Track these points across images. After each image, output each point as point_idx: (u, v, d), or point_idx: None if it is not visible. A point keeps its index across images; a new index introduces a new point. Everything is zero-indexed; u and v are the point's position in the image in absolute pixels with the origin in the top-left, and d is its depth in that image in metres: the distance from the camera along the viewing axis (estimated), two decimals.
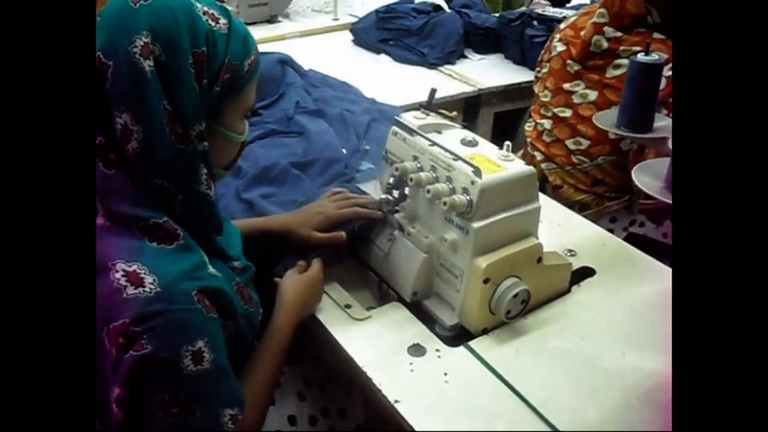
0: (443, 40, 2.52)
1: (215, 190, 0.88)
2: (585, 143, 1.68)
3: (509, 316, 1.04)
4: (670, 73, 1.44)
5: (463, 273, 1.03)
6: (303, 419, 1.09)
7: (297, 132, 1.59)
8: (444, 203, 1.00)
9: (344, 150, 1.49)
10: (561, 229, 1.34)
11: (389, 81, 2.30)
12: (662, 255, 1.29)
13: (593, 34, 1.63)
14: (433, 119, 1.16)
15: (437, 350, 1.02)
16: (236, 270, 0.95)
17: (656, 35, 1.57)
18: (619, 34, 1.61)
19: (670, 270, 1.22)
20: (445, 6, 2.79)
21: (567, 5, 2.95)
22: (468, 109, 2.33)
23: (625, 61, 1.59)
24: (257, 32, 2.66)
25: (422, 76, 2.42)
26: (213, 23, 0.83)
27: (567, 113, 1.71)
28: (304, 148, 1.51)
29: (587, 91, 1.67)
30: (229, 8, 0.89)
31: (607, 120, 1.34)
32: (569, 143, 1.72)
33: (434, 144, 1.08)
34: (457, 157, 1.03)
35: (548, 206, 1.31)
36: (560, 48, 1.74)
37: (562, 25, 1.81)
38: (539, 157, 1.80)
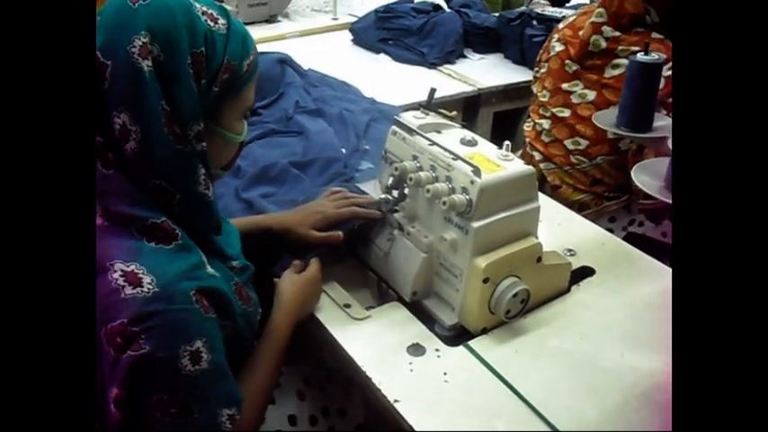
0: (443, 39, 2.52)
1: (213, 190, 0.88)
2: (584, 143, 1.68)
3: (508, 315, 1.04)
4: (669, 73, 1.44)
5: (463, 272, 1.03)
6: (303, 419, 1.09)
7: (296, 132, 1.59)
8: (444, 203, 1.00)
9: (344, 150, 1.49)
10: (561, 228, 1.34)
11: (389, 81, 2.30)
12: (661, 254, 1.29)
13: (591, 34, 1.63)
14: (432, 118, 1.16)
15: (437, 350, 1.02)
16: (235, 270, 0.95)
17: (655, 35, 1.57)
18: (617, 34, 1.61)
19: (669, 270, 1.22)
20: (445, 6, 2.79)
21: (567, 5, 2.95)
22: (467, 108, 2.33)
23: (623, 61, 1.59)
24: (257, 32, 2.66)
25: (421, 75, 2.42)
26: (212, 23, 0.83)
27: (566, 113, 1.71)
28: (303, 147, 1.51)
29: (586, 91, 1.67)
30: (229, 8, 0.89)
31: (606, 119, 1.34)
32: (568, 143, 1.71)
33: (434, 144, 1.08)
34: (456, 157, 1.03)
35: (547, 206, 1.31)
36: (559, 48, 1.74)
37: (561, 25, 1.81)
38: (537, 157, 1.80)
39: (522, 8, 2.78)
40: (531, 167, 1.06)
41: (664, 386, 0.96)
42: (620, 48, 1.60)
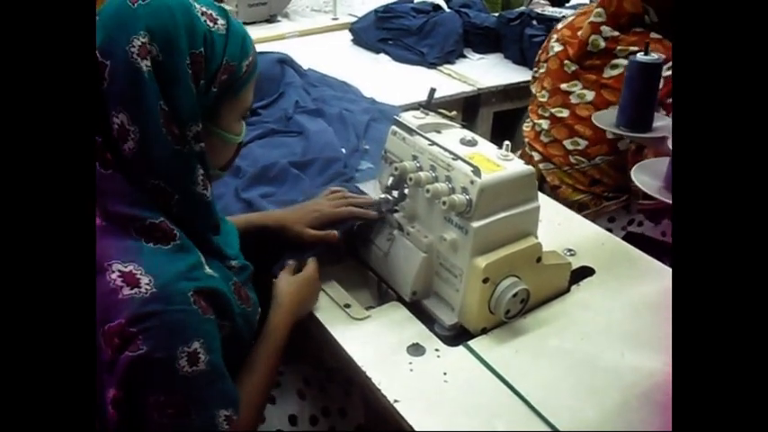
0: (443, 39, 2.52)
1: (211, 190, 0.88)
2: (583, 143, 1.68)
3: (508, 315, 1.04)
4: (668, 73, 1.43)
5: (462, 272, 1.03)
6: (304, 419, 1.08)
7: (296, 132, 1.59)
8: (444, 203, 1.00)
9: (344, 150, 1.49)
10: (561, 228, 1.34)
11: (389, 81, 2.30)
12: (661, 254, 1.29)
13: (590, 34, 1.63)
14: (432, 118, 1.16)
15: (436, 350, 1.02)
16: (234, 269, 0.95)
17: (654, 35, 1.57)
18: (616, 34, 1.61)
19: (669, 270, 1.22)
20: (444, 6, 2.79)
21: (567, 5, 2.95)
22: (467, 108, 2.33)
23: (622, 61, 1.59)
24: (256, 32, 2.66)
25: (421, 75, 2.41)
26: (211, 24, 0.83)
27: (565, 114, 1.71)
28: (303, 147, 1.51)
29: (584, 91, 1.67)
30: (228, 8, 0.89)
31: (606, 119, 1.34)
32: (567, 143, 1.71)
33: (434, 144, 1.08)
34: (456, 157, 1.03)
35: (547, 206, 1.32)
36: (557, 48, 1.74)
37: (559, 25, 1.81)
38: (536, 157, 1.80)
39: (522, 8, 2.78)
40: (530, 167, 1.06)
41: (664, 386, 0.96)
42: (618, 48, 1.60)
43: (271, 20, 2.88)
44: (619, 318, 1.11)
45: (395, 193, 1.13)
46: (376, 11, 2.67)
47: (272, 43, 2.56)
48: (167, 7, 0.80)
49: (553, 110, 1.74)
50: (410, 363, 1.00)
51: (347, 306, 1.11)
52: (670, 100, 1.46)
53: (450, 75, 2.42)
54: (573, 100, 1.69)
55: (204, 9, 0.83)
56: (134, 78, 0.78)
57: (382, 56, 2.57)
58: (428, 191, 1.03)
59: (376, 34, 2.62)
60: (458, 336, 1.06)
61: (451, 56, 2.52)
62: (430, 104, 1.18)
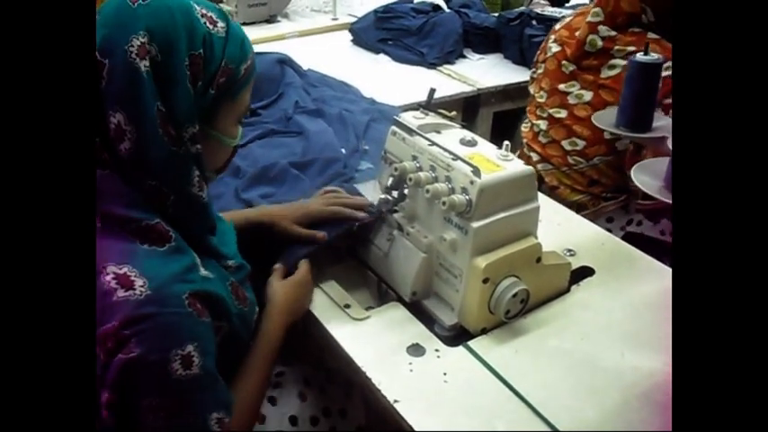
0: (442, 39, 2.52)
1: (208, 192, 0.88)
2: (581, 144, 1.68)
3: (508, 316, 1.04)
4: (665, 73, 1.43)
5: (462, 272, 1.03)
6: (304, 419, 1.08)
7: (296, 132, 1.59)
8: (443, 203, 1.00)
9: (343, 150, 1.49)
10: (560, 228, 1.34)
11: (388, 81, 2.29)
12: (660, 253, 1.29)
13: (587, 33, 1.63)
14: (432, 119, 1.16)
15: (436, 350, 1.02)
16: (231, 269, 0.95)
17: (651, 35, 1.57)
18: (613, 33, 1.61)
19: (669, 269, 1.22)
20: (444, 6, 2.79)
21: (566, 5, 2.95)
22: (467, 109, 2.33)
23: (619, 62, 1.59)
24: (256, 32, 2.66)
25: (421, 75, 2.41)
26: (211, 26, 0.83)
27: (563, 114, 1.71)
28: (303, 147, 1.51)
29: (582, 91, 1.67)
30: (228, 8, 0.90)
31: (606, 120, 1.34)
32: (565, 144, 1.71)
33: (433, 144, 1.08)
34: (456, 157, 1.03)
35: (547, 206, 1.32)
36: (555, 48, 1.74)
37: (557, 26, 1.81)
38: (535, 158, 1.80)
39: (522, 8, 2.78)
40: (530, 167, 1.06)
41: (664, 386, 0.96)
42: (615, 47, 1.60)
43: (270, 20, 2.88)
44: (619, 318, 1.11)
45: (395, 194, 1.13)
46: (376, 11, 2.67)
47: (271, 43, 2.56)
48: (167, 8, 0.80)
49: (551, 110, 1.74)
50: (410, 363, 1.00)
51: (347, 306, 1.11)
52: (668, 100, 1.46)
53: (449, 75, 2.42)
54: (571, 100, 1.69)
55: (204, 11, 0.83)
56: (132, 78, 0.78)
57: (382, 56, 2.57)
58: (428, 191, 1.03)
59: (376, 34, 2.62)
60: (458, 336, 1.06)
61: (451, 56, 2.52)
62: (429, 105, 1.18)
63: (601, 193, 1.71)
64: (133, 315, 0.75)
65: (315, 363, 1.19)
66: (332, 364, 1.18)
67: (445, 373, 0.98)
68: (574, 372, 0.99)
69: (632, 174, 1.14)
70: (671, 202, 1.01)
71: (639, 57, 1.23)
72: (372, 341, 1.04)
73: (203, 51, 0.81)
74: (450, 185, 1.03)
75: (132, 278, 0.77)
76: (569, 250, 1.26)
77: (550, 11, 2.60)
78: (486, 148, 1.09)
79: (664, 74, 1.39)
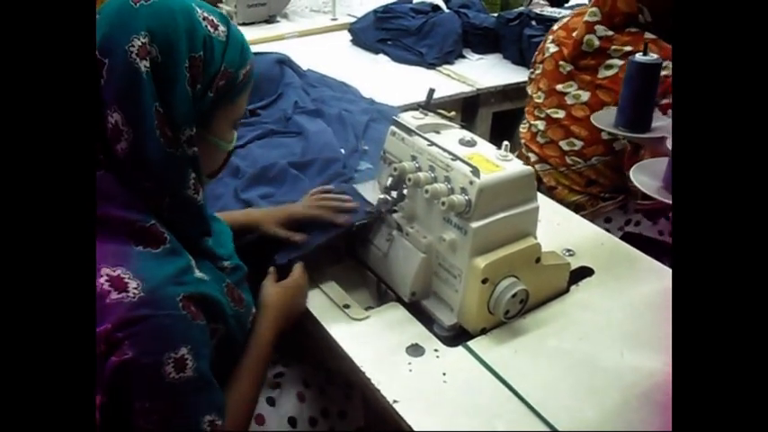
0: (442, 39, 2.52)
1: (203, 195, 0.87)
2: (579, 144, 1.68)
3: (507, 316, 1.04)
4: (662, 73, 1.44)
5: (462, 273, 1.03)
6: (303, 420, 1.08)
7: (295, 132, 1.59)
8: (443, 203, 1.00)
9: (343, 150, 1.49)
10: (560, 228, 1.34)
11: (388, 81, 2.30)
12: (659, 254, 1.29)
13: (585, 33, 1.64)
14: (431, 119, 1.16)
15: (436, 350, 1.02)
16: (226, 270, 0.95)
17: (648, 35, 1.57)
18: (610, 33, 1.61)
19: (668, 269, 1.22)
20: (443, 6, 2.79)
21: (566, 5, 2.95)
22: (466, 109, 2.33)
23: (616, 62, 1.60)
24: (256, 32, 2.66)
25: (420, 75, 2.41)
26: (212, 30, 0.83)
27: (561, 114, 1.71)
28: (302, 148, 1.50)
29: (580, 92, 1.67)
30: (227, 8, 0.90)
31: (605, 120, 1.34)
32: (563, 144, 1.72)
33: (433, 144, 1.08)
34: (455, 157, 1.03)
35: (546, 206, 1.31)
36: (553, 49, 1.75)
37: (555, 27, 1.82)
38: (533, 158, 1.80)
39: (521, 8, 2.78)
40: (529, 168, 1.06)
41: (663, 386, 0.96)
42: (612, 47, 1.60)
43: (270, 20, 2.88)
44: (618, 318, 1.11)
45: (394, 194, 1.13)
46: (375, 11, 2.67)
47: (271, 44, 2.56)
48: (169, 9, 0.80)
49: (549, 111, 1.74)
50: (409, 363, 1.00)
51: (346, 306, 1.11)
52: (665, 100, 1.46)
53: (449, 75, 2.42)
54: (568, 101, 1.69)
55: (206, 14, 0.83)
56: (132, 78, 0.77)
57: (381, 56, 2.57)
58: (427, 191, 1.03)
59: (375, 35, 2.62)
60: (457, 336, 1.06)
61: (450, 56, 2.52)
62: (429, 105, 1.18)
63: (599, 194, 1.71)
64: (126, 317, 0.75)
65: (314, 364, 1.19)
66: (331, 365, 1.18)
67: (444, 374, 0.98)
68: (573, 372, 0.99)
69: (631, 174, 1.14)
70: (670, 202, 1.01)
71: (639, 57, 1.23)
72: (372, 341, 1.04)
73: (203, 54, 0.81)
74: (449, 186, 1.03)
75: (126, 280, 0.77)
76: (568, 250, 1.26)
77: (550, 11, 2.60)
78: (485, 149, 1.09)
79: (661, 73, 1.39)
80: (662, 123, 1.28)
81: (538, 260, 1.07)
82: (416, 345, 1.03)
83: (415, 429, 0.89)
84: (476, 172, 0.99)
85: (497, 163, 1.04)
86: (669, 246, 1.61)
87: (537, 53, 1.86)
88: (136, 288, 0.76)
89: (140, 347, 0.75)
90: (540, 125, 1.77)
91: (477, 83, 2.33)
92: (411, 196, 1.12)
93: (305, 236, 1.15)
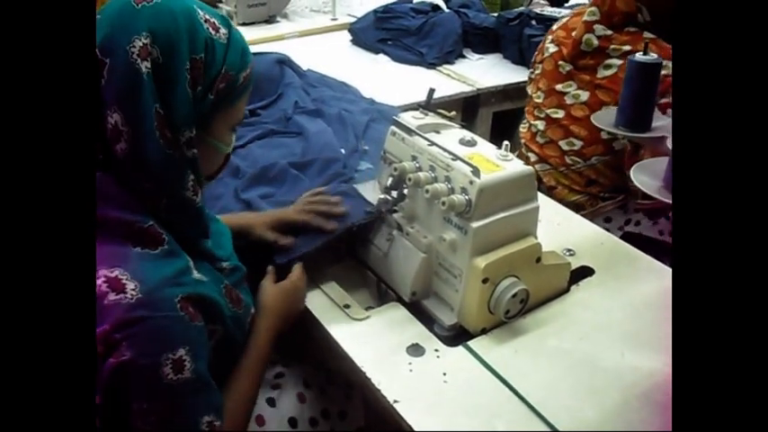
0: (442, 39, 2.52)
1: (202, 197, 0.87)
2: (578, 144, 1.69)
3: (508, 316, 1.04)
4: (661, 72, 1.44)
5: (462, 272, 1.03)
6: (303, 421, 1.08)
7: (295, 132, 1.59)
8: (443, 203, 1.00)
9: (343, 150, 1.49)
10: (560, 228, 1.34)
11: (388, 81, 2.29)
12: (659, 253, 1.29)
13: (583, 33, 1.64)
14: (431, 119, 1.16)
15: (436, 350, 1.02)
16: (225, 271, 0.94)
17: (647, 34, 1.58)
18: (609, 32, 1.61)
19: (669, 269, 1.22)
20: (443, 6, 2.79)
21: (566, 5, 2.95)
22: (466, 109, 2.33)
23: (615, 61, 1.60)
24: (256, 32, 2.66)
25: (420, 75, 2.41)
26: (214, 32, 0.83)
27: (560, 114, 1.71)
28: (303, 148, 1.50)
29: (579, 92, 1.67)
30: (227, 8, 0.90)
31: (605, 119, 1.34)
32: (562, 144, 1.72)
33: (433, 144, 1.08)
34: (456, 157, 1.03)
35: (546, 206, 1.32)
36: (552, 49, 1.75)
37: (554, 26, 1.82)
38: (533, 158, 1.80)
39: (521, 8, 2.78)
40: (529, 167, 1.06)
41: (663, 386, 0.96)
42: (611, 47, 1.60)
43: (270, 20, 2.88)
44: (618, 317, 1.11)
45: (394, 194, 1.13)
46: (375, 11, 2.67)
47: (271, 44, 2.56)
48: (171, 10, 0.80)
49: (548, 111, 1.74)
50: (410, 363, 1.00)
51: (347, 306, 1.11)
52: (664, 99, 1.46)
53: (449, 75, 2.42)
54: (568, 100, 1.69)
55: (207, 17, 0.83)
56: (133, 79, 0.77)
57: (381, 56, 2.57)
58: (427, 191, 1.03)
59: (375, 35, 2.62)
60: (457, 336, 1.06)
61: (451, 56, 2.52)
62: (429, 105, 1.18)
63: (599, 193, 1.71)
64: (124, 319, 0.75)
65: (314, 364, 1.19)
66: (331, 365, 1.18)
67: (445, 373, 0.98)
68: (573, 372, 0.99)
69: (631, 174, 1.14)
70: (670, 201, 1.01)
71: (639, 57, 1.23)
72: (372, 341, 1.04)
73: (204, 56, 0.81)
74: (449, 185, 1.03)
75: (124, 281, 0.77)
76: (569, 250, 1.26)
77: (550, 11, 2.60)
78: (485, 148, 1.09)
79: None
80: (662, 123, 1.28)
81: (538, 260, 1.07)
82: (417, 345, 1.03)
83: (415, 429, 0.89)
84: (476, 172, 0.99)
85: (498, 163, 1.04)
86: (669, 245, 1.62)
87: (536, 53, 1.86)
88: (134, 289, 0.76)
89: (138, 349, 0.75)
90: (540, 125, 1.77)
91: (477, 83, 2.33)
92: (411, 196, 1.12)
93: (293, 240, 1.15)
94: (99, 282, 0.76)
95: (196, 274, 0.84)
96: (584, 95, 1.66)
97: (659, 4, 1.56)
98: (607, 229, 1.53)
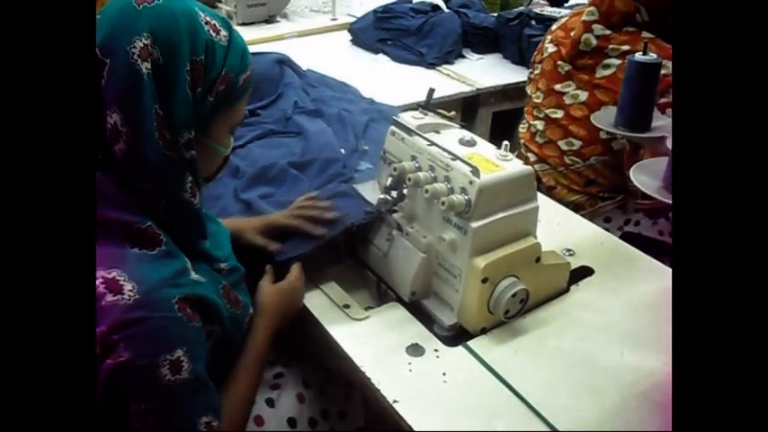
0: (441, 39, 2.52)
1: (200, 199, 0.87)
2: (578, 144, 1.69)
3: (507, 316, 1.04)
4: (661, 72, 1.44)
5: (462, 272, 1.03)
6: (303, 421, 1.08)
7: (295, 132, 1.59)
8: (443, 203, 1.00)
9: (343, 150, 1.49)
10: (559, 228, 1.34)
11: (388, 81, 2.29)
12: (659, 253, 1.29)
13: (582, 32, 1.64)
14: (431, 119, 1.16)
15: (436, 350, 1.02)
16: (223, 272, 0.94)
17: (645, 34, 1.58)
18: (608, 32, 1.61)
19: (668, 269, 1.22)
20: (443, 6, 2.79)
21: (565, 5, 2.95)
22: (466, 109, 2.33)
23: (614, 61, 1.60)
24: (255, 32, 2.66)
25: (420, 75, 2.41)
26: (214, 34, 0.83)
27: (559, 114, 1.71)
28: (302, 148, 1.51)
29: (578, 92, 1.67)
30: (227, 8, 0.90)
31: (605, 119, 1.34)
32: (562, 144, 1.72)
33: (433, 144, 1.08)
34: (455, 157, 1.03)
35: (546, 206, 1.32)
36: (551, 49, 1.75)
37: (554, 27, 1.82)
38: (532, 158, 1.80)
39: (521, 8, 2.78)
40: (529, 167, 1.06)
41: (663, 386, 0.96)
42: (610, 46, 1.60)
43: (270, 20, 2.88)
44: (618, 317, 1.11)
45: (394, 194, 1.13)
46: (375, 11, 2.67)
47: (270, 44, 2.56)
48: (172, 12, 0.80)
49: (547, 111, 1.74)
50: (409, 363, 1.00)
51: (346, 306, 1.11)
52: (663, 99, 1.46)
53: (448, 75, 2.42)
54: (567, 100, 1.69)
55: (208, 19, 0.83)
56: (133, 79, 0.77)
57: (381, 56, 2.57)
58: (427, 191, 1.03)
59: (375, 35, 2.62)
60: (457, 336, 1.06)
61: (450, 56, 2.52)
62: (429, 105, 1.18)
63: (598, 193, 1.71)
64: (122, 320, 0.75)
65: (314, 364, 1.19)
66: (331, 365, 1.17)
67: (444, 373, 0.98)
68: (573, 371, 0.99)
69: (631, 174, 1.14)
70: (670, 201, 1.01)
71: (638, 56, 1.23)
72: (372, 341, 1.04)
73: (205, 58, 0.81)
74: (449, 185, 1.03)
75: (121, 282, 0.77)
76: (568, 250, 1.26)
77: (549, 11, 2.60)
78: (485, 148, 1.09)
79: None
80: (662, 123, 1.28)
81: (538, 260, 1.07)
82: (416, 345, 1.03)
83: (415, 429, 0.89)
84: (476, 172, 0.99)
85: (497, 163, 1.04)
86: (669, 246, 1.61)
87: (536, 53, 1.86)
88: (131, 290, 0.76)
89: (136, 349, 0.75)
90: (539, 125, 1.77)
91: (476, 83, 2.33)
92: (411, 196, 1.12)
93: (280, 245, 1.15)
94: (97, 282, 0.76)
95: (194, 275, 0.84)
96: (583, 95, 1.66)
97: (657, 3, 1.56)
98: (607, 229, 1.53)
